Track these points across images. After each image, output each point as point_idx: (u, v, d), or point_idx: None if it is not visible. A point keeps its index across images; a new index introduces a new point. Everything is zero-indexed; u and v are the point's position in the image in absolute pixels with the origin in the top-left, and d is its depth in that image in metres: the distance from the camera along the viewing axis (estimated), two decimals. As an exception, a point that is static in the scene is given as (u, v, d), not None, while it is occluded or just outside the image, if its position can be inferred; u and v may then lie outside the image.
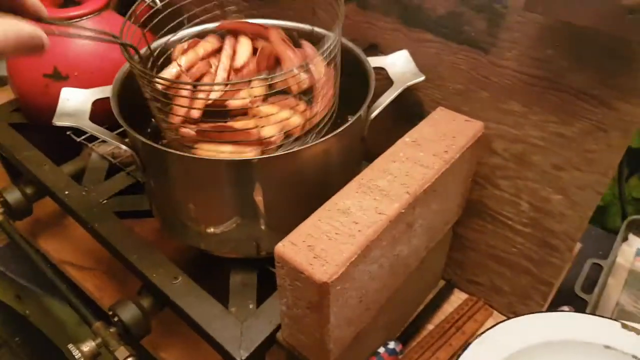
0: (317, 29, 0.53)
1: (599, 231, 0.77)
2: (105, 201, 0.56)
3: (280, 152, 0.41)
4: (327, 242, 0.36)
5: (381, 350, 0.51)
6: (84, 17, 0.62)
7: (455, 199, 0.49)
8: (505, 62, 0.46)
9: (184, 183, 0.44)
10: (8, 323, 0.80)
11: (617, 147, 0.43)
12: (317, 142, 0.42)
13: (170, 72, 0.46)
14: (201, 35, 0.51)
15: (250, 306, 0.45)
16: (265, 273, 0.50)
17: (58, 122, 0.43)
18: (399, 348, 0.52)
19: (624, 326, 0.47)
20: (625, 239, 0.71)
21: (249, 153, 0.42)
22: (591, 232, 0.78)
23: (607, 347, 0.46)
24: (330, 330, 0.37)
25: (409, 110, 0.55)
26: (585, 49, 0.41)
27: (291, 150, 0.41)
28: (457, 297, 0.61)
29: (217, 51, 0.49)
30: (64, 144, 0.62)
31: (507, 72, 0.46)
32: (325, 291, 0.34)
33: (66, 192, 0.56)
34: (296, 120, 0.44)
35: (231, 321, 0.43)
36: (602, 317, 0.52)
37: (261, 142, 0.42)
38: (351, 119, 0.43)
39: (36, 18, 0.30)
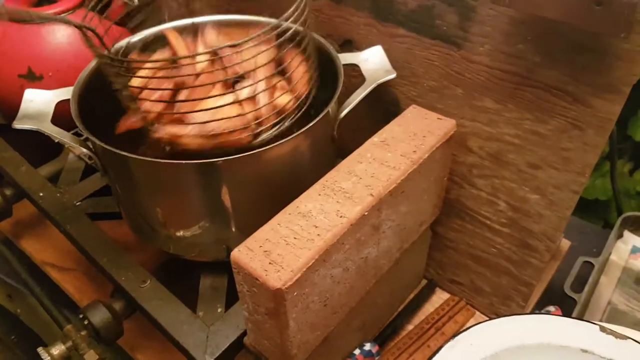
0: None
1: (595, 228, 0.76)
2: (79, 203, 0.55)
3: (244, 153, 0.40)
4: (285, 247, 0.35)
5: (356, 352, 0.50)
6: (58, 16, 0.61)
7: (429, 199, 0.48)
8: (478, 57, 0.44)
9: (148, 187, 0.43)
10: (3, 321, 0.80)
11: (593, 145, 0.41)
12: (283, 140, 0.41)
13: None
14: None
15: (219, 310, 0.45)
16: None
17: (18, 124, 0.43)
18: (375, 349, 0.51)
19: (602, 329, 0.45)
20: (620, 236, 0.69)
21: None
22: (586, 228, 0.76)
23: (584, 350, 0.45)
24: (290, 335, 0.36)
25: (385, 109, 0.54)
26: (556, 43, 0.39)
27: (257, 151, 0.40)
28: (439, 297, 0.60)
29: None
30: (45, 144, 0.62)
31: (480, 67, 0.45)
32: (280, 297, 0.33)
33: (41, 194, 0.55)
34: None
35: (197, 325, 0.43)
36: (581, 320, 0.51)
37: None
38: (318, 117, 0.42)
39: None
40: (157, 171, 0.41)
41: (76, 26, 0.39)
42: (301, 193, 0.39)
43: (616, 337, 0.45)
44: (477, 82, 0.45)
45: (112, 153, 0.39)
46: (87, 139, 0.43)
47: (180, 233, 0.46)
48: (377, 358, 0.51)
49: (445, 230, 0.55)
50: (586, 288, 0.60)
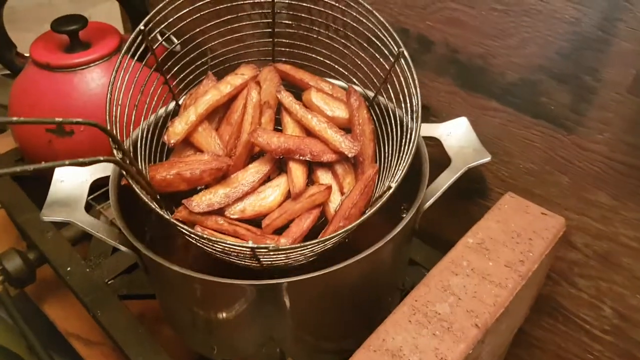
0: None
1: None
2: (110, 281, 0.49)
3: (315, 273, 0.32)
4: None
5: None
6: (92, 64, 0.55)
7: (526, 305, 0.41)
8: (594, 145, 0.37)
9: (194, 302, 0.36)
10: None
11: None
12: (363, 255, 0.33)
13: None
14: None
15: None
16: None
17: (47, 216, 0.36)
18: None
19: None
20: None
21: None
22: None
23: None
24: None
25: (467, 186, 0.46)
26: None
27: (329, 270, 0.32)
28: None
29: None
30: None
31: (595, 157, 0.37)
32: None
33: (68, 269, 0.49)
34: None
35: None
36: None
37: None
38: (403, 220, 0.35)
39: None
40: (212, 288, 0.34)
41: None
42: (376, 296, 0.32)
43: None
44: (589, 173, 0.38)
45: (161, 266, 0.33)
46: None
47: (231, 348, 0.39)
48: None
49: (532, 328, 0.48)
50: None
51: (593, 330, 0.43)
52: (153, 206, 0.32)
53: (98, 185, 0.43)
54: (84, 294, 0.47)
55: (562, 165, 0.39)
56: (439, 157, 0.42)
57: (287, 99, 0.41)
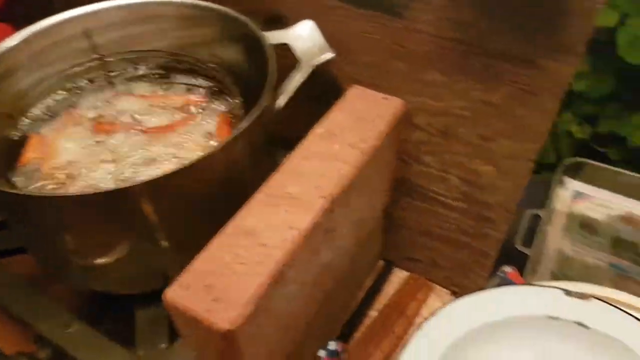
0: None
1: (534, 177, 0.75)
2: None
3: (166, 172, 0.33)
4: (230, 276, 0.30)
5: (321, 353, 0.47)
6: None
7: (381, 186, 0.45)
8: (422, 26, 0.40)
9: (55, 226, 0.36)
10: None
11: (547, 110, 0.39)
12: (211, 151, 0.35)
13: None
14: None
15: (162, 345, 0.39)
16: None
17: None
18: (340, 348, 0.48)
19: (567, 293, 0.45)
20: (561, 183, 0.70)
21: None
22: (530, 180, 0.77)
23: (552, 317, 0.44)
24: (248, 371, 0.32)
25: (322, 90, 0.48)
26: (502, 6, 0.36)
27: (180, 168, 0.33)
28: (398, 277, 0.58)
29: None
30: None
31: (424, 37, 0.40)
32: (231, 339, 0.28)
33: None
34: None
35: (140, 366, 0.37)
36: (544, 286, 0.51)
37: None
38: (249, 116, 0.36)
39: None
40: (63, 206, 0.33)
41: None
42: (242, 195, 0.34)
43: (580, 298, 0.44)
44: (421, 54, 0.41)
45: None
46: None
47: (105, 269, 0.39)
48: (343, 356, 0.49)
49: (396, 210, 0.52)
50: (535, 242, 0.60)
51: (446, 200, 0.49)
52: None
53: None
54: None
55: (398, 52, 0.42)
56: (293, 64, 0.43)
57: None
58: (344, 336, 0.52)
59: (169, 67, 0.51)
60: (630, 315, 0.43)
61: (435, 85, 0.42)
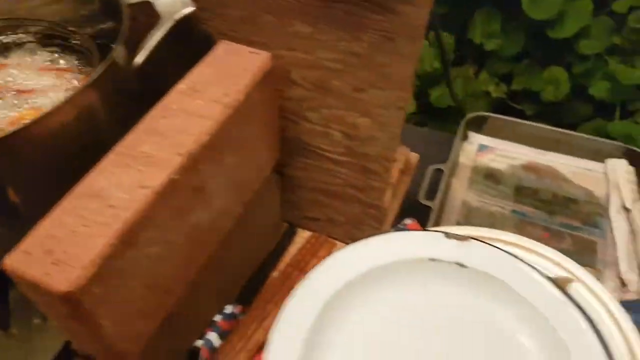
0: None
1: (444, 136, 0.75)
2: None
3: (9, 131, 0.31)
4: (72, 239, 0.29)
5: (217, 318, 0.47)
6: None
7: (261, 144, 0.44)
8: (279, -24, 0.39)
9: None
10: None
11: (407, 56, 0.39)
12: (58, 105, 0.33)
13: None
14: None
15: (36, 321, 0.38)
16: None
17: None
18: (238, 310, 0.49)
19: (447, 235, 0.47)
20: (465, 137, 0.72)
21: None
22: (435, 138, 0.79)
23: (433, 259, 0.46)
24: (109, 333, 0.31)
25: (198, 50, 0.47)
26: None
27: (17, 128, 0.31)
28: (301, 237, 0.59)
29: None
30: None
31: (284, -13, 0.40)
32: (74, 300, 0.28)
33: None
34: None
35: (13, 345, 0.36)
36: (427, 230, 0.53)
37: None
38: (97, 71, 0.35)
39: None
40: None
41: None
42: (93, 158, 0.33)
43: (459, 239, 0.46)
44: (289, 6, 0.41)
45: None
46: None
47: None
48: (242, 317, 0.49)
49: (290, 170, 0.53)
50: (438, 194, 0.62)
51: (333, 156, 0.49)
52: None
53: None
54: None
55: (267, 5, 0.41)
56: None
57: None
58: (246, 299, 0.52)
59: (38, 34, 0.48)
60: (508, 253, 0.45)
61: (303, 37, 0.42)
